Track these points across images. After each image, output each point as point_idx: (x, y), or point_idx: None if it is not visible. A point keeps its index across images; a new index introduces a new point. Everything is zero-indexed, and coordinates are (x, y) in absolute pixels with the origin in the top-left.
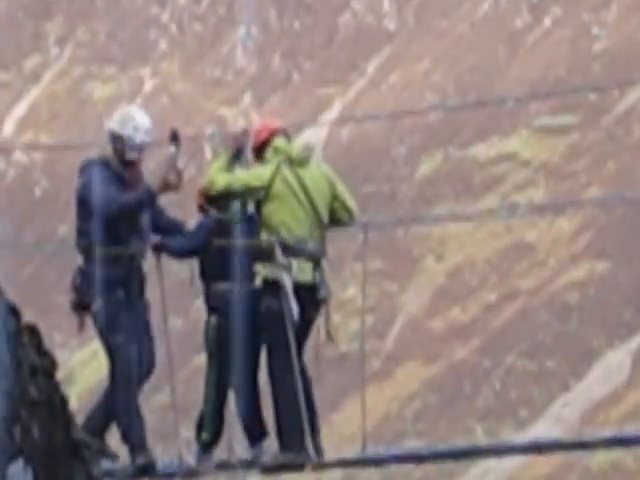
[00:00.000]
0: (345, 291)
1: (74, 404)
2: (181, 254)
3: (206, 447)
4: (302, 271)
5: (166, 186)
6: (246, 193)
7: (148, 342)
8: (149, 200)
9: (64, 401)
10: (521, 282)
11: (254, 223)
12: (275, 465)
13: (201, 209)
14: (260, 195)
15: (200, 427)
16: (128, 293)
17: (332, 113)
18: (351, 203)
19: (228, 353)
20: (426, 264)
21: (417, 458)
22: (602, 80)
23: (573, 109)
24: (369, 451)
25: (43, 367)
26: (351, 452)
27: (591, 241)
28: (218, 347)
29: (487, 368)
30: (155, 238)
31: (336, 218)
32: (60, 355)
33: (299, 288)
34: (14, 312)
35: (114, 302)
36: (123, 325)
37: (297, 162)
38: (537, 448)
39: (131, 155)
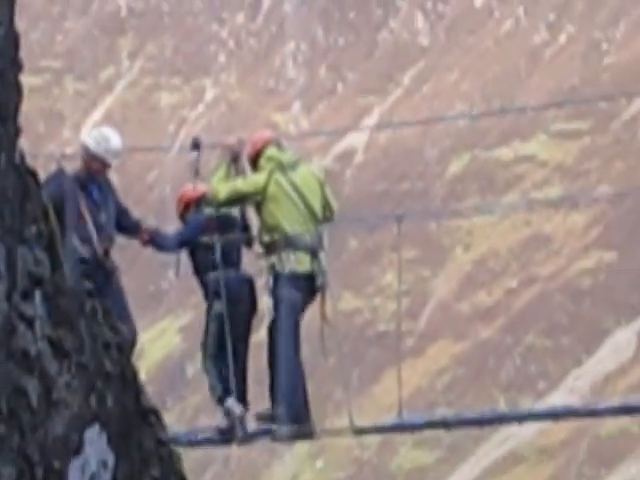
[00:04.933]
0: (383, 277)
1: (143, 376)
2: (172, 249)
3: (221, 399)
4: (300, 262)
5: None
6: (245, 199)
7: (129, 322)
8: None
9: (135, 373)
10: (539, 269)
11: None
12: (292, 436)
13: (181, 215)
14: (258, 199)
15: (224, 394)
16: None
17: (372, 119)
18: (333, 202)
19: (234, 330)
20: (455, 253)
21: (446, 424)
22: (611, 90)
23: (585, 116)
24: (404, 418)
25: (116, 343)
26: (388, 419)
27: (601, 233)
28: (219, 326)
29: (509, 345)
30: (146, 235)
31: (326, 213)
32: None
33: (298, 277)
34: (90, 294)
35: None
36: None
37: (288, 167)
38: (553, 416)
39: (95, 166)
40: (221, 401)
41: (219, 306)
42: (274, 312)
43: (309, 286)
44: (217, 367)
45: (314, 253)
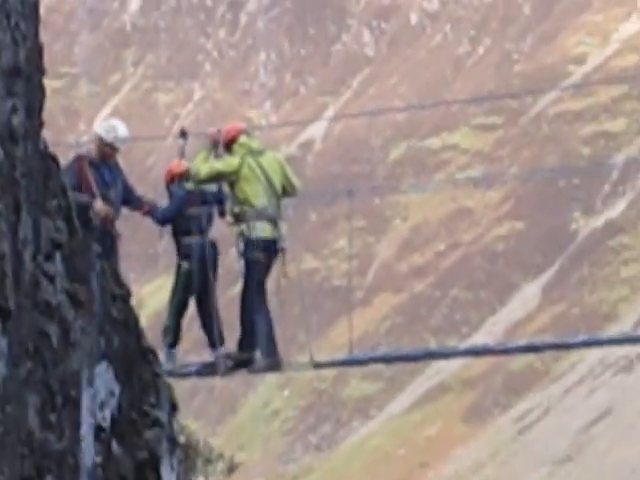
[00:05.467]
0: (337, 242)
1: (143, 323)
2: (163, 223)
3: (171, 347)
4: (264, 230)
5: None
6: (221, 178)
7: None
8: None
9: (136, 320)
10: (462, 236)
11: (211, 195)
12: (266, 367)
13: (167, 186)
14: (232, 178)
15: (165, 335)
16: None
17: (328, 114)
18: (295, 180)
19: (196, 285)
20: (395, 223)
21: (387, 360)
22: (520, 91)
23: (499, 112)
24: (354, 355)
25: (121, 295)
26: (341, 356)
27: (512, 207)
28: (186, 282)
29: (438, 297)
30: (146, 207)
31: (287, 191)
32: (133, 287)
33: (263, 242)
34: (100, 255)
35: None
36: None
37: (256, 152)
38: (474, 353)
39: (106, 151)
40: (170, 345)
41: (186, 265)
42: (245, 271)
43: (272, 249)
44: (177, 315)
45: (275, 222)
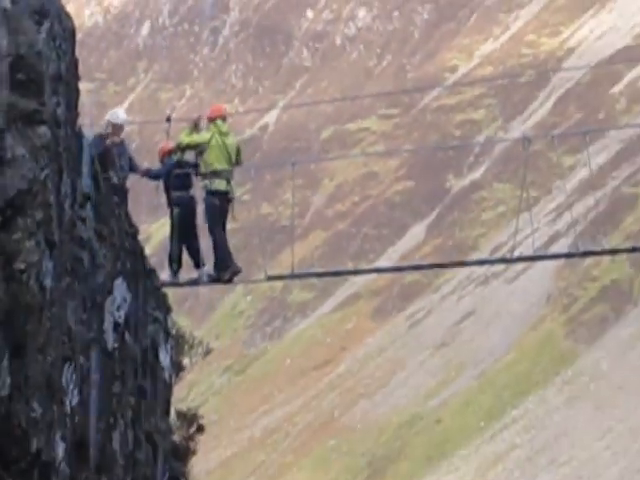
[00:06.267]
0: (284, 195)
1: (150, 250)
2: (155, 179)
3: (175, 272)
4: (220, 184)
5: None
6: (197, 146)
7: None
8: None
9: (142, 249)
10: (371, 191)
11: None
12: (230, 276)
13: (161, 160)
14: (204, 148)
15: (171, 262)
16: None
17: (278, 107)
18: (242, 157)
19: (184, 225)
20: (324, 182)
21: (319, 275)
22: (411, 91)
23: (396, 106)
24: (296, 272)
25: (131, 232)
26: (287, 272)
27: (406, 171)
28: (179, 223)
29: (354, 233)
30: (144, 170)
31: (237, 162)
32: (143, 226)
33: (220, 193)
34: (117, 204)
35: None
36: None
37: (223, 134)
38: (378, 271)
39: (114, 131)
40: (175, 272)
41: (176, 211)
42: (206, 212)
43: (225, 198)
44: (177, 245)
45: (228, 181)
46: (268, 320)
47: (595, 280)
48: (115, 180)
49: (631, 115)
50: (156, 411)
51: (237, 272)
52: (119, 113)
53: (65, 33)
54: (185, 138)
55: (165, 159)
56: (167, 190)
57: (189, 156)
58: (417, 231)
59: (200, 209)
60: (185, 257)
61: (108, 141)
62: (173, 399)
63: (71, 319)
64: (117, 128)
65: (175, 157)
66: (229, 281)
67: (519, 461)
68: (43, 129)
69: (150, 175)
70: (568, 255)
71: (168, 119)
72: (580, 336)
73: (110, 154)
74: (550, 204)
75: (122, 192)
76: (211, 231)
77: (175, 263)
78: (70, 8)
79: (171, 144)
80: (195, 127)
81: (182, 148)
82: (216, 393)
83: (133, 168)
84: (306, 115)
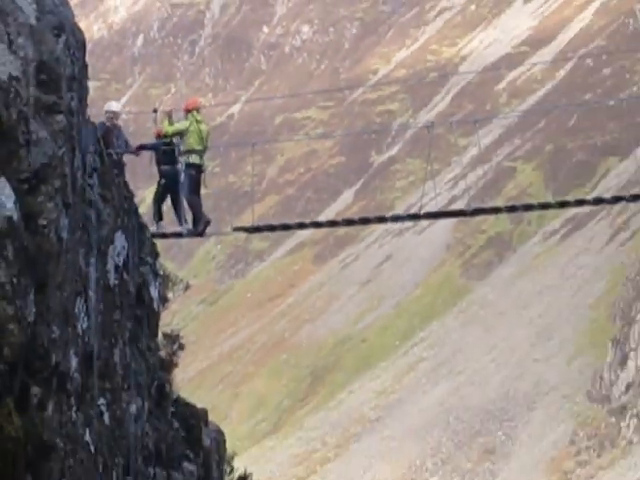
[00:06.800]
0: (246, 167)
1: (143, 210)
2: (148, 149)
3: (158, 223)
4: (195, 159)
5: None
6: (178, 133)
7: None
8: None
9: (137, 209)
10: (312, 164)
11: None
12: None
13: (157, 137)
14: (184, 133)
15: (154, 216)
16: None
17: (242, 100)
18: (209, 141)
19: (168, 190)
20: (277, 158)
21: (273, 228)
22: (343, 88)
23: (332, 99)
24: (255, 224)
25: (128, 196)
26: (248, 224)
27: (338, 148)
28: (163, 189)
29: (298, 197)
30: (135, 150)
31: (206, 145)
32: (139, 192)
33: (195, 166)
34: (116, 175)
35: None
36: None
37: (199, 122)
38: (318, 225)
39: (115, 120)
40: (158, 222)
41: (163, 181)
42: (184, 179)
43: (199, 170)
44: (158, 204)
45: (201, 157)
46: (234, 263)
47: (483, 232)
48: (114, 156)
49: (511, 107)
50: (147, 333)
51: (208, 222)
52: (112, 104)
53: (78, 44)
54: (169, 128)
55: (158, 139)
56: (158, 164)
57: (175, 139)
58: (347, 195)
59: (181, 178)
60: (169, 215)
61: (108, 123)
62: (160, 324)
63: (82, 262)
64: (113, 114)
65: (164, 138)
66: (203, 234)
67: (425, 371)
68: (60, 117)
69: (145, 147)
70: (463, 213)
71: (155, 110)
72: (472, 275)
73: (110, 135)
74: (449, 174)
75: (120, 165)
76: (189, 195)
77: (157, 216)
78: (82, 24)
79: (162, 129)
80: (169, 118)
81: (169, 136)
82: (194, 319)
83: (128, 148)
84: (263, 107)
